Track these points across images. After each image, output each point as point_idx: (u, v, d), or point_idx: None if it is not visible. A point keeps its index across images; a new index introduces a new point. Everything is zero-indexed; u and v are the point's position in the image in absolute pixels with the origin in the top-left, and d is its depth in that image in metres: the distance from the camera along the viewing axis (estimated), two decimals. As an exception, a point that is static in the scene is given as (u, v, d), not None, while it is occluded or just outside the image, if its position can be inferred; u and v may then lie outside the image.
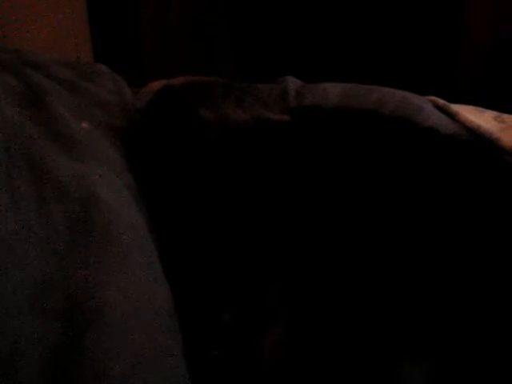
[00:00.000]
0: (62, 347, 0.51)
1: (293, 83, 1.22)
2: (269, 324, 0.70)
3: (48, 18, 3.00)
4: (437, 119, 1.12)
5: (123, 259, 0.61)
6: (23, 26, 2.89)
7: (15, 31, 2.84)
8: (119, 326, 0.55)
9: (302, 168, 0.76)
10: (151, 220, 0.73)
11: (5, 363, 0.47)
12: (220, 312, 0.69)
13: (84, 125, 0.76)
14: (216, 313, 0.69)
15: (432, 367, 0.68)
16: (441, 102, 1.23)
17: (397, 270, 0.71)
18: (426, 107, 1.16)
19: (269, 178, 0.75)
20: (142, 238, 0.67)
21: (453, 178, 0.77)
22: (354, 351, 0.70)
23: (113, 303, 0.56)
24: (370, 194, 0.75)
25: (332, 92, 1.18)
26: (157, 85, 1.13)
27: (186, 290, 0.69)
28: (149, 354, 0.56)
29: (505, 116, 1.16)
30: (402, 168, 0.77)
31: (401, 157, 0.78)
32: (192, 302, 0.69)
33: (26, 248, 0.55)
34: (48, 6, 2.98)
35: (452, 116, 1.17)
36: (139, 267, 0.62)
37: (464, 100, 1.28)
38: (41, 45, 2.65)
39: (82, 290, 0.55)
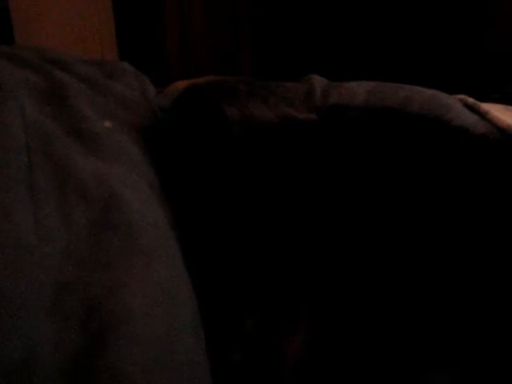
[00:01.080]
0: (81, 351, 0.50)
1: (318, 82, 1.20)
2: (293, 329, 0.68)
3: (73, 18, 3.02)
4: (466, 118, 1.10)
5: (146, 260, 0.59)
6: (48, 24, 2.91)
7: (39, 30, 2.86)
8: (140, 330, 0.53)
9: (328, 167, 0.75)
10: (175, 220, 0.71)
11: (19, 366, 0.46)
12: (243, 316, 0.68)
13: (107, 123, 0.75)
14: (239, 316, 0.68)
15: (458, 373, 0.67)
16: (470, 100, 1.20)
17: (425, 276, 0.69)
18: (455, 106, 1.14)
19: (295, 177, 0.74)
20: (165, 239, 0.66)
21: (482, 178, 0.75)
22: (380, 355, 0.68)
23: (135, 306, 0.54)
24: (399, 193, 0.73)
25: (358, 90, 1.16)
26: (181, 84, 1.13)
27: (210, 292, 0.68)
28: (172, 358, 0.54)
29: (536, 115, 1.14)
30: (431, 168, 0.76)
31: (429, 156, 0.76)
32: (215, 304, 0.68)
33: (46, 250, 0.54)
34: (73, 7, 3.00)
35: (482, 115, 1.14)
36: (162, 268, 0.61)
37: (494, 99, 1.26)
38: (65, 44, 2.67)
39: (103, 293, 0.54)
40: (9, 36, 2.60)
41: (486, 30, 2.46)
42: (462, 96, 1.23)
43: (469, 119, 1.09)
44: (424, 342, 0.68)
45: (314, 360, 0.68)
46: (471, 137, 0.86)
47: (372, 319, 0.69)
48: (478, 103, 1.18)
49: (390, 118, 0.87)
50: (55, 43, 2.55)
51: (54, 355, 0.48)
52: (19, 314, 0.48)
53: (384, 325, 0.69)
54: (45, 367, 0.47)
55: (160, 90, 1.10)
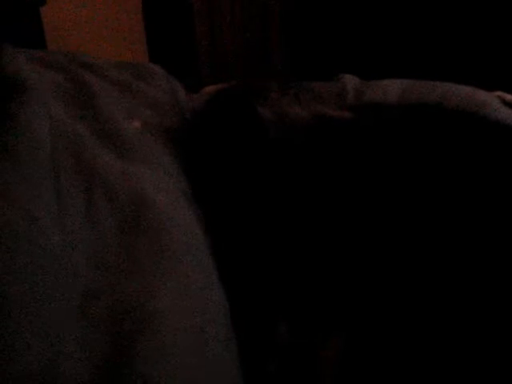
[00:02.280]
0: (109, 358, 0.48)
1: (351, 80, 1.18)
2: (328, 336, 0.66)
3: (104, 25, 3.05)
4: (504, 115, 1.07)
5: (175, 265, 0.58)
6: (79, 31, 2.95)
7: (70, 38, 2.90)
8: (170, 336, 0.52)
9: (364, 165, 0.73)
10: (206, 225, 0.70)
11: (46, 372, 0.45)
12: (276, 323, 0.66)
13: (136, 124, 0.74)
14: (272, 324, 0.66)
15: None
16: (509, 97, 1.17)
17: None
18: (493, 102, 1.11)
19: (331, 176, 0.72)
20: (195, 243, 0.64)
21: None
22: (419, 364, 0.66)
23: (164, 312, 0.53)
24: (436, 189, 0.71)
25: (392, 88, 1.14)
26: (212, 89, 1.12)
27: (241, 298, 0.66)
28: (202, 365, 0.53)
29: None
30: (469, 163, 0.73)
31: (467, 151, 0.74)
32: (247, 311, 0.66)
33: (72, 255, 0.53)
34: (104, 13, 3.03)
35: (521, 111, 1.12)
36: (192, 274, 0.59)
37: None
38: (96, 52, 2.69)
39: (132, 298, 0.52)
40: (41, 43, 2.63)
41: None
42: (500, 93, 1.20)
43: (507, 115, 1.06)
44: (464, 351, 0.66)
45: (352, 367, 0.66)
46: (510, 131, 0.83)
47: (409, 325, 0.67)
48: (516, 99, 1.15)
49: (426, 114, 0.85)
50: (86, 50, 2.57)
51: (81, 362, 0.47)
52: (46, 320, 0.47)
53: (422, 331, 0.67)
54: (72, 374, 0.46)
55: (191, 94, 1.10)
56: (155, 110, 0.82)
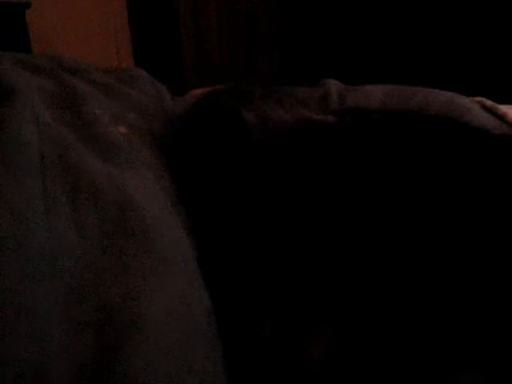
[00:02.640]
0: (94, 359, 0.49)
1: (334, 85, 1.20)
2: (314, 332, 0.67)
3: (90, 28, 3.05)
4: (484, 120, 1.09)
5: (161, 267, 0.59)
6: (64, 35, 2.94)
7: (56, 41, 2.89)
8: (156, 338, 0.52)
9: (345, 168, 0.74)
10: (191, 227, 0.71)
11: (33, 372, 0.45)
12: (262, 322, 0.67)
13: (121, 129, 0.74)
14: (258, 323, 0.67)
15: (484, 374, 0.66)
16: (489, 103, 1.19)
17: (448, 275, 0.68)
18: (473, 108, 1.13)
19: (313, 179, 0.73)
20: (180, 245, 0.65)
21: (500, 179, 0.74)
22: (406, 358, 0.67)
23: (149, 314, 0.54)
24: (418, 194, 0.72)
25: (375, 93, 1.15)
26: (197, 92, 1.13)
27: (226, 299, 0.67)
28: (187, 367, 0.54)
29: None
30: (448, 168, 0.74)
31: (447, 156, 0.75)
32: (232, 311, 0.67)
33: (59, 256, 0.53)
34: (89, 17, 3.03)
35: (501, 117, 1.13)
36: (178, 275, 0.60)
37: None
38: (82, 54, 2.69)
39: (117, 300, 0.53)
40: (26, 46, 2.63)
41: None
42: (480, 98, 1.22)
43: (487, 121, 1.08)
44: (449, 343, 0.67)
45: (338, 363, 0.67)
46: (490, 137, 0.84)
47: (397, 320, 0.68)
48: (496, 105, 1.17)
49: (407, 119, 0.86)
50: (72, 54, 2.57)
51: (68, 362, 0.48)
52: (33, 320, 0.47)
53: (409, 325, 0.68)
54: (59, 374, 0.47)
55: (176, 98, 1.10)
56: (140, 114, 0.83)
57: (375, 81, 1.30)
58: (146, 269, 0.57)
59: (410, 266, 0.68)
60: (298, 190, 0.72)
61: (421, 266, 0.69)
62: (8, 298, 0.47)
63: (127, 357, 0.50)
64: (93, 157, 0.66)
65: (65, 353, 0.48)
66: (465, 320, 0.67)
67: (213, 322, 0.62)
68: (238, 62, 3.16)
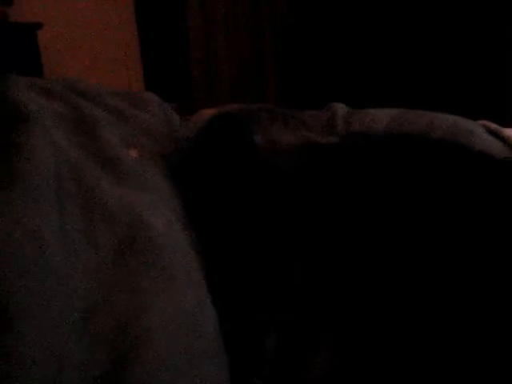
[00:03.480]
0: (107, 373, 0.51)
1: (340, 109, 1.22)
2: (315, 351, 0.68)
3: (101, 51, 3.08)
4: (488, 143, 1.10)
5: (169, 284, 0.61)
6: (76, 58, 2.98)
7: (68, 63, 2.93)
8: (163, 352, 0.55)
9: (349, 190, 0.76)
10: (199, 246, 0.73)
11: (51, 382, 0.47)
12: (264, 339, 0.68)
13: (132, 152, 0.77)
14: (260, 339, 0.68)
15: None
16: (493, 126, 1.20)
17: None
18: (477, 131, 1.14)
19: (317, 201, 0.74)
20: (188, 263, 0.67)
21: (504, 202, 0.75)
22: (405, 376, 0.68)
23: (158, 328, 0.56)
24: (420, 217, 0.73)
25: (380, 117, 1.17)
26: (206, 113, 1.15)
27: (231, 314, 0.68)
28: (192, 379, 0.55)
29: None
30: (452, 192, 0.76)
31: (451, 180, 0.77)
32: (236, 327, 0.68)
33: (73, 274, 0.55)
34: (100, 37, 3.06)
35: (504, 140, 1.15)
36: (185, 291, 0.62)
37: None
38: (93, 76, 2.72)
39: (128, 316, 0.55)
40: (38, 66, 2.66)
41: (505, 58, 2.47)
42: (485, 122, 1.23)
43: (491, 144, 1.09)
44: (449, 362, 0.67)
45: (340, 376, 0.68)
46: (494, 161, 0.86)
47: (395, 340, 0.69)
48: (501, 128, 1.18)
49: (411, 143, 0.88)
50: (83, 76, 2.61)
51: (82, 375, 0.50)
52: (47, 334, 0.49)
53: (408, 344, 0.69)
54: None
55: (186, 118, 1.12)
56: (151, 137, 0.85)
57: (382, 101, 1.32)
58: (154, 285, 0.60)
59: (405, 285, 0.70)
60: (301, 209, 0.74)
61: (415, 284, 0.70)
62: (25, 313, 0.48)
63: (137, 369, 0.52)
64: (106, 179, 0.68)
65: (79, 365, 0.50)
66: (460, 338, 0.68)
67: (218, 336, 0.63)
68: (246, 82, 3.19)
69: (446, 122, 1.15)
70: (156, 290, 0.59)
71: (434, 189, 0.76)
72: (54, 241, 0.56)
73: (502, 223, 0.72)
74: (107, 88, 1.00)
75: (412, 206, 0.75)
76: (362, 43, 2.74)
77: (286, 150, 0.80)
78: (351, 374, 0.68)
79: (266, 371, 0.68)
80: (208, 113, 1.12)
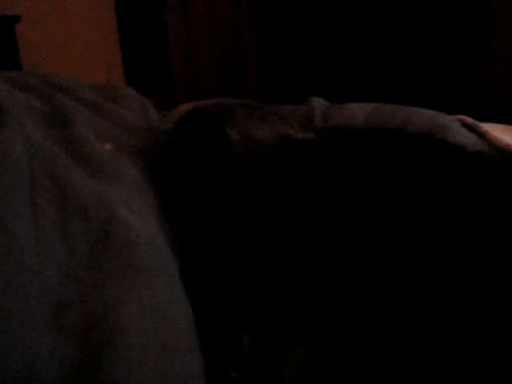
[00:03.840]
0: (79, 366, 0.51)
1: (319, 104, 1.22)
2: (290, 345, 0.69)
3: (80, 45, 3.06)
4: (464, 137, 1.11)
5: (143, 278, 0.61)
6: (54, 53, 2.95)
7: (47, 58, 2.90)
8: (136, 345, 0.54)
9: (325, 184, 0.76)
10: (174, 240, 0.73)
11: (21, 378, 0.47)
12: (240, 333, 0.69)
13: (108, 146, 0.77)
14: (236, 334, 0.69)
15: None
16: (469, 120, 1.21)
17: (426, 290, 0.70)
18: (453, 126, 1.15)
19: (293, 195, 0.75)
20: (162, 258, 0.67)
21: (479, 195, 0.76)
22: (380, 371, 0.68)
23: (131, 322, 0.55)
24: (395, 210, 0.74)
25: (358, 112, 1.18)
26: (185, 107, 1.14)
27: (207, 310, 0.69)
28: (166, 374, 0.55)
29: (535, 134, 1.15)
30: (427, 184, 0.77)
31: (426, 172, 0.77)
32: (212, 322, 0.68)
33: (46, 270, 0.55)
34: (80, 31, 3.04)
35: (480, 135, 1.15)
36: (159, 286, 0.62)
37: (493, 114, 1.27)
38: (72, 71, 2.70)
39: (100, 310, 0.55)
40: (16, 60, 2.63)
41: (488, 50, 2.48)
42: (461, 116, 1.24)
43: (466, 139, 1.10)
44: (426, 357, 0.68)
45: (313, 375, 0.68)
46: (467, 154, 0.87)
47: (371, 335, 0.69)
48: (477, 123, 1.19)
49: (387, 137, 0.88)
50: (62, 71, 2.58)
51: (54, 368, 0.50)
52: (20, 329, 0.49)
53: (383, 340, 0.69)
54: (44, 379, 0.48)
55: (165, 113, 1.12)
56: (127, 131, 0.85)
57: (362, 95, 1.32)
58: (128, 280, 0.59)
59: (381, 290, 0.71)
60: (275, 204, 0.74)
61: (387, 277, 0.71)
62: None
63: (109, 363, 0.51)
64: (80, 173, 0.68)
65: (51, 359, 0.50)
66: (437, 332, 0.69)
67: (193, 332, 0.63)
68: (226, 77, 3.19)
69: (422, 117, 1.16)
70: (130, 285, 0.59)
71: (409, 181, 0.77)
72: (27, 237, 0.55)
73: (474, 211, 0.73)
74: (85, 83, 0.99)
75: (387, 199, 0.75)
76: (341, 38, 2.74)
77: (262, 145, 0.80)
78: (328, 368, 0.69)
79: (242, 364, 0.68)
80: (186, 107, 1.11)
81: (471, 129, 1.19)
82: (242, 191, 0.76)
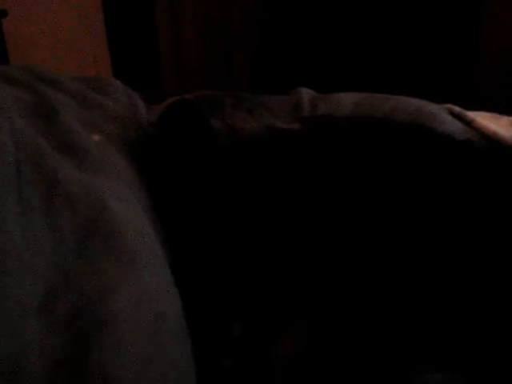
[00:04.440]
0: (68, 353, 0.51)
1: (306, 94, 1.22)
2: (282, 332, 0.69)
3: (67, 39, 3.05)
4: (451, 126, 1.11)
5: (131, 267, 0.61)
6: (42, 47, 2.94)
7: (34, 53, 2.89)
8: (126, 332, 0.55)
9: (312, 175, 0.76)
10: (162, 230, 0.73)
11: (10, 374, 0.47)
12: (231, 321, 0.69)
13: (95, 137, 0.76)
14: (227, 322, 0.69)
15: (457, 376, 0.67)
16: (457, 109, 1.22)
17: (420, 277, 0.70)
18: (441, 114, 1.15)
19: (279, 185, 0.75)
20: (151, 247, 0.67)
21: (466, 183, 0.76)
22: (372, 356, 0.69)
23: (120, 310, 0.56)
24: (382, 199, 0.74)
25: (346, 101, 1.18)
26: (174, 100, 1.14)
27: (197, 298, 0.69)
28: (156, 361, 0.56)
29: (522, 122, 1.15)
30: (415, 173, 0.77)
31: (413, 162, 0.78)
32: (203, 311, 0.69)
33: (34, 259, 0.55)
34: (67, 25, 3.03)
35: (468, 123, 1.16)
36: (148, 275, 0.62)
37: (483, 107, 1.27)
38: (59, 66, 2.69)
39: (89, 298, 0.55)
40: (3, 54, 2.62)
41: (476, 37, 2.49)
42: (449, 105, 1.24)
43: (454, 127, 1.10)
44: (422, 343, 0.68)
45: (305, 361, 0.68)
46: (454, 142, 0.87)
47: (363, 320, 0.70)
48: (464, 111, 1.19)
49: (375, 126, 0.89)
50: (50, 66, 2.57)
51: (42, 357, 0.50)
52: (7, 318, 0.49)
53: (376, 325, 0.69)
54: (33, 368, 0.49)
55: (152, 107, 1.12)
56: (114, 122, 0.85)
57: (349, 85, 1.32)
58: (116, 268, 0.60)
59: (375, 274, 0.71)
60: (263, 195, 0.74)
61: (386, 272, 0.71)
62: None
63: (99, 350, 0.52)
64: (67, 164, 0.67)
65: (40, 348, 0.50)
66: (435, 322, 0.69)
67: (182, 318, 0.64)
68: (216, 69, 3.18)
69: (409, 106, 1.16)
70: (119, 273, 0.59)
71: (396, 170, 0.77)
72: (14, 226, 0.55)
73: (463, 199, 0.73)
74: (70, 75, 0.99)
75: (374, 189, 0.75)
76: (334, 30, 2.74)
77: (248, 137, 0.80)
78: (320, 356, 0.69)
79: (234, 352, 0.68)
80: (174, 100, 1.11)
81: (459, 117, 1.19)
82: (224, 182, 0.76)
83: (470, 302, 0.69)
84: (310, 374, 0.68)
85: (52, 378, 0.49)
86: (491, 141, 1.05)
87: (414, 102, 1.20)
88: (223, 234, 0.74)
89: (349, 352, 0.69)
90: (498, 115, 1.21)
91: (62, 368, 0.50)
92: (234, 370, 0.67)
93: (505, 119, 1.18)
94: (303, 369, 0.68)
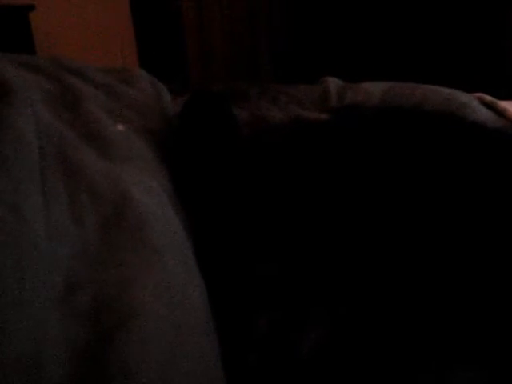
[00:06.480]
0: (90, 348, 0.50)
1: (334, 83, 1.20)
2: (307, 326, 0.68)
3: (94, 30, 3.06)
4: (483, 115, 1.09)
5: (156, 258, 0.60)
6: (69, 38, 2.95)
7: (61, 44, 2.90)
8: (150, 327, 0.53)
9: (340, 167, 0.74)
10: (187, 221, 0.72)
11: (30, 363, 0.46)
12: (256, 315, 0.68)
13: (120, 127, 0.76)
14: (252, 316, 0.68)
15: (485, 371, 0.66)
16: (488, 98, 1.20)
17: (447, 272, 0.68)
18: (472, 104, 1.13)
19: (304, 176, 0.73)
20: (176, 238, 0.66)
21: (499, 173, 0.74)
22: (400, 353, 0.67)
23: (144, 303, 0.54)
24: (413, 190, 0.72)
25: (374, 90, 1.16)
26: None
27: (222, 292, 0.68)
28: (181, 355, 0.54)
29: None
30: (447, 163, 0.75)
31: (445, 151, 0.76)
32: (227, 304, 0.68)
33: (56, 248, 0.54)
34: (93, 18, 3.04)
35: (500, 112, 1.14)
36: (173, 267, 0.61)
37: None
38: (87, 57, 2.70)
39: (113, 291, 0.54)
40: (30, 48, 2.64)
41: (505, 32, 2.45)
42: (480, 94, 1.22)
43: (486, 116, 1.08)
44: (450, 338, 0.67)
45: (331, 357, 0.67)
46: (488, 131, 0.85)
47: (390, 314, 0.68)
48: (496, 101, 1.18)
49: (405, 115, 0.87)
50: (77, 58, 2.58)
51: (63, 350, 0.49)
52: (28, 309, 0.49)
53: (404, 321, 0.68)
54: (54, 361, 0.48)
55: (178, 98, 1.11)
56: (139, 112, 0.84)
57: (376, 76, 1.30)
58: (140, 261, 0.58)
59: (404, 262, 0.69)
60: (285, 185, 0.73)
61: (416, 260, 0.69)
62: (4, 290, 0.48)
63: (121, 345, 0.50)
64: (91, 153, 0.67)
65: (61, 341, 0.49)
66: (460, 316, 0.67)
67: (208, 314, 0.62)
68: (241, 61, 3.17)
69: (439, 95, 1.14)
70: (143, 265, 0.58)
71: (426, 160, 0.75)
72: (37, 217, 0.55)
73: (495, 191, 0.71)
74: (96, 66, 0.99)
75: (404, 179, 0.74)
76: (356, 17, 2.72)
77: (273, 126, 0.79)
78: (344, 349, 0.68)
79: (259, 347, 0.67)
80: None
81: (490, 107, 1.17)
82: (247, 171, 0.75)
83: (504, 297, 0.67)
84: (335, 371, 0.67)
85: (71, 372, 0.48)
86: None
87: (444, 91, 1.18)
88: (246, 224, 0.73)
89: (374, 347, 0.68)
90: (530, 105, 1.19)
91: (83, 361, 0.49)
92: (259, 364, 0.66)
93: (538, 108, 1.15)
94: (329, 365, 0.67)
